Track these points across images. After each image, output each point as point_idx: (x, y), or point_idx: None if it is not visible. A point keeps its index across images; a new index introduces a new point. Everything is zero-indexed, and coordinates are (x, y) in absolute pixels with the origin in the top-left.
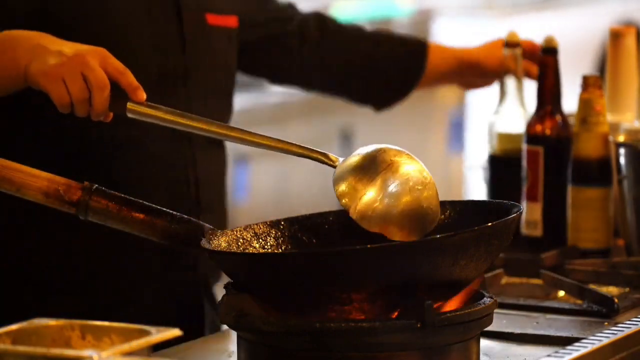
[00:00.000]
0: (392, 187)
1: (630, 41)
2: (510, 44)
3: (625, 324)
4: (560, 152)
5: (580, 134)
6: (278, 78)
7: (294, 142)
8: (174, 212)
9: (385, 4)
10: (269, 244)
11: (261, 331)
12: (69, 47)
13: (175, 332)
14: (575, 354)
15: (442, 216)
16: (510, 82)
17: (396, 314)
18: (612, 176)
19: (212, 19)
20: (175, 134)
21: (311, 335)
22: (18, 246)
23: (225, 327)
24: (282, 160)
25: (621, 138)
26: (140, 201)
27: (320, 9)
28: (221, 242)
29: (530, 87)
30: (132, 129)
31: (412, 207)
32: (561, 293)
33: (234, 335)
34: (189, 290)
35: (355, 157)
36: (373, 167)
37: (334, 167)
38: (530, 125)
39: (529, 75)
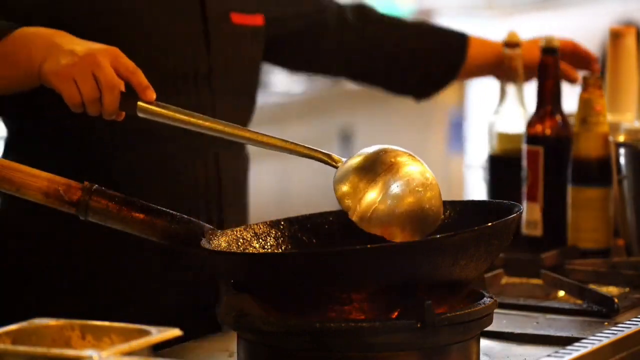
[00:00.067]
0: (394, 189)
1: (630, 41)
2: (510, 44)
3: (625, 324)
4: (560, 152)
5: (580, 134)
6: (318, 69)
7: (298, 143)
8: (174, 212)
9: (386, 4)
10: (269, 244)
11: (261, 331)
12: (82, 46)
13: (175, 332)
14: (575, 354)
15: (442, 216)
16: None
17: (396, 314)
18: (612, 176)
19: (237, 18)
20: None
21: (311, 335)
22: (18, 246)
23: (225, 327)
24: (282, 160)
25: (621, 138)
26: (141, 201)
27: None
28: (221, 242)
29: (531, 87)
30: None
31: (413, 209)
32: (561, 293)
33: (234, 335)
34: (189, 290)
35: (356, 159)
36: (374, 168)
37: (337, 168)
38: (530, 125)
39: (568, 79)
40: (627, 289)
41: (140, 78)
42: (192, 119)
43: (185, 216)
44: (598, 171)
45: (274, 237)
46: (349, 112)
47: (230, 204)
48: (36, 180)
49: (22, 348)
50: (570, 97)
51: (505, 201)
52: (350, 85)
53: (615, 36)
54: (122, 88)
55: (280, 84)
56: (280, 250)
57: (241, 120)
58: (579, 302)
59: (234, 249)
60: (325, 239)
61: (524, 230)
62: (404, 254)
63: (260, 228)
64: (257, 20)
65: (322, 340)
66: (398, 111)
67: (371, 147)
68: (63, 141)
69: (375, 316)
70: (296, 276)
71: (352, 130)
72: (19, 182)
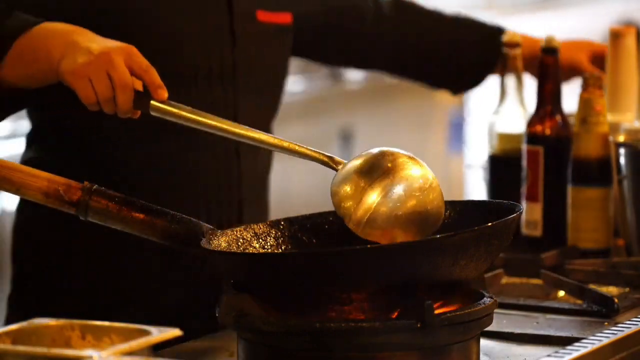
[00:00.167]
0: (393, 193)
1: (630, 41)
2: (510, 44)
3: (625, 324)
4: (560, 152)
5: (580, 134)
6: (354, 63)
7: (301, 144)
8: (174, 212)
9: None
10: (269, 244)
11: (261, 331)
12: (98, 44)
13: (175, 332)
14: (575, 354)
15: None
16: (510, 82)
17: (396, 314)
18: (612, 176)
19: (263, 16)
20: None
21: (311, 335)
22: (18, 246)
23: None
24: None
25: (621, 138)
26: (141, 201)
27: None
28: (221, 242)
29: (530, 87)
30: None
31: (413, 214)
32: (561, 293)
33: (234, 335)
34: (189, 290)
35: (355, 162)
36: (373, 171)
37: (337, 171)
38: (530, 125)
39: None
40: (627, 289)
41: (153, 77)
42: (203, 119)
43: (185, 216)
44: (598, 171)
45: (274, 237)
46: (349, 112)
47: (251, 202)
48: (36, 180)
49: (22, 348)
50: (570, 97)
51: (505, 201)
52: (350, 85)
53: (615, 36)
54: (138, 87)
55: None
56: (280, 250)
57: (264, 119)
58: (579, 302)
59: (234, 249)
60: (325, 239)
61: (524, 230)
62: (404, 254)
63: (260, 228)
64: (285, 18)
65: (322, 340)
66: (398, 111)
67: (370, 150)
68: (85, 136)
69: (375, 316)
70: (296, 276)
71: (352, 130)
72: (19, 182)
